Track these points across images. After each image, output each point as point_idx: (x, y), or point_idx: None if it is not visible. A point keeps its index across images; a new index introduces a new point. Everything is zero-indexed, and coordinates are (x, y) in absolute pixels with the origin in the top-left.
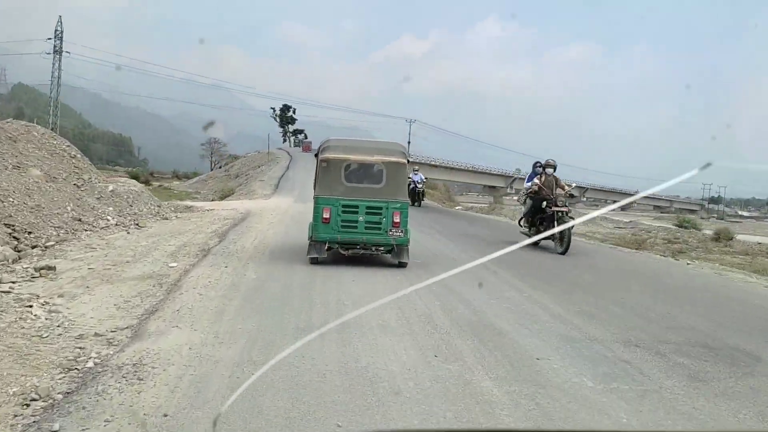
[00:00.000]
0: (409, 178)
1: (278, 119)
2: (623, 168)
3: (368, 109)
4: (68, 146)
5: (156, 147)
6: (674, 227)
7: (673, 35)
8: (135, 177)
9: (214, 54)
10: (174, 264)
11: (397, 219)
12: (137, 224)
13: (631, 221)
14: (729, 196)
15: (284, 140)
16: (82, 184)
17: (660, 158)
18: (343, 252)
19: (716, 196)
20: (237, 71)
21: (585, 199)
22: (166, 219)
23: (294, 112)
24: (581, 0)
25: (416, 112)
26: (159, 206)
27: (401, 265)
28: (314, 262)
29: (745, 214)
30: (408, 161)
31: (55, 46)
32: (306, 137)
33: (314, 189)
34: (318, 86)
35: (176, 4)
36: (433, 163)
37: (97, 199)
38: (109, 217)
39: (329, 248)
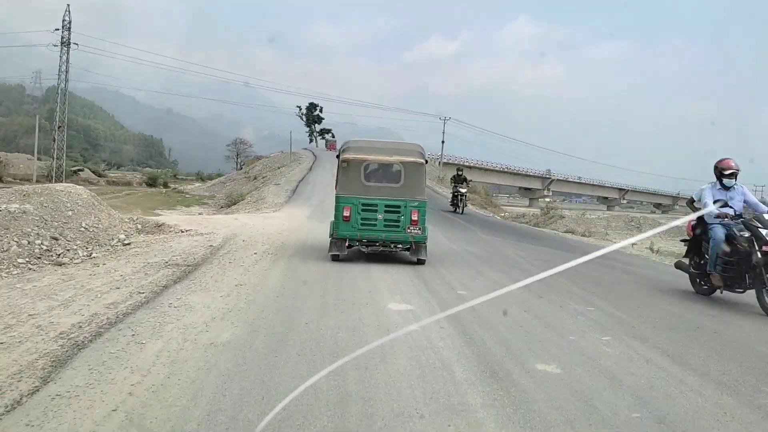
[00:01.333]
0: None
1: (304, 118)
2: (658, 167)
3: (396, 115)
4: None
5: (187, 148)
6: None
7: (708, 26)
8: (153, 179)
9: (245, 56)
10: None
11: (414, 217)
12: (57, 261)
13: None
14: None
15: (311, 140)
16: None
17: (696, 155)
18: (363, 249)
19: None
20: (267, 73)
21: (625, 201)
22: (112, 250)
23: (321, 111)
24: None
25: (446, 112)
26: (106, 229)
27: (419, 262)
28: (335, 259)
29: None
30: (426, 161)
31: (62, 38)
32: (333, 136)
33: (335, 188)
34: (347, 86)
35: (207, 6)
36: (467, 163)
37: None
38: None
39: (350, 246)
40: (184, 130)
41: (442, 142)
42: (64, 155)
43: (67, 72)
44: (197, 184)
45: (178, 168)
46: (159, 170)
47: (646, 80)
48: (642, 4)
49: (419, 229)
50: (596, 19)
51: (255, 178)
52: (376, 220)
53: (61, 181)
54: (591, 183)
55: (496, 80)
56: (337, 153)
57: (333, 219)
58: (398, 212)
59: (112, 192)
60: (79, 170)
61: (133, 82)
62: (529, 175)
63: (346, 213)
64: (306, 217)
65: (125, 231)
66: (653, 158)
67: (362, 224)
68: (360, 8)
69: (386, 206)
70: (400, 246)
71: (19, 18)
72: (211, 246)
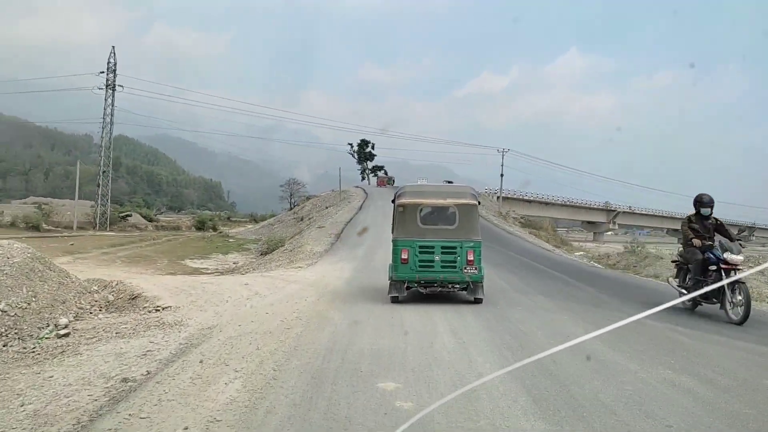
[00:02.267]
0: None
1: (356, 156)
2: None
3: (450, 147)
4: None
5: (245, 191)
6: None
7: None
8: (202, 223)
9: (299, 98)
10: None
11: (470, 257)
12: None
13: None
14: None
15: (363, 177)
16: None
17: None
18: (421, 290)
19: None
20: (320, 114)
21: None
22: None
23: (372, 148)
24: (663, 27)
25: (500, 146)
26: (41, 310)
27: (477, 301)
28: (395, 300)
29: None
30: (479, 203)
31: (107, 80)
32: (386, 173)
33: (392, 232)
34: (398, 125)
35: (259, 53)
36: (527, 198)
37: None
38: None
39: (408, 287)
40: (242, 173)
41: (501, 175)
42: (109, 200)
43: (112, 115)
44: (249, 227)
45: (237, 210)
46: (211, 213)
47: (704, 107)
48: (690, 33)
49: (476, 268)
50: (645, 49)
51: (302, 219)
52: (433, 261)
53: (106, 228)
54: (659, 214)
55: (547, 113)
56: (393, 198)
57: (391, 262)
58: (455, 253)
59: (152, 237)
60: (128, 215)
61: (194, 128)
62: (592, 208)
63: (404, 255)
64: (346, 280)
65: (82, 307)
66: (724, 186)
67: (420, 266)
68: (407, 49)
69: (443, 247)
70: (457, 286)
71: (71, 64)
72: (158, 359)
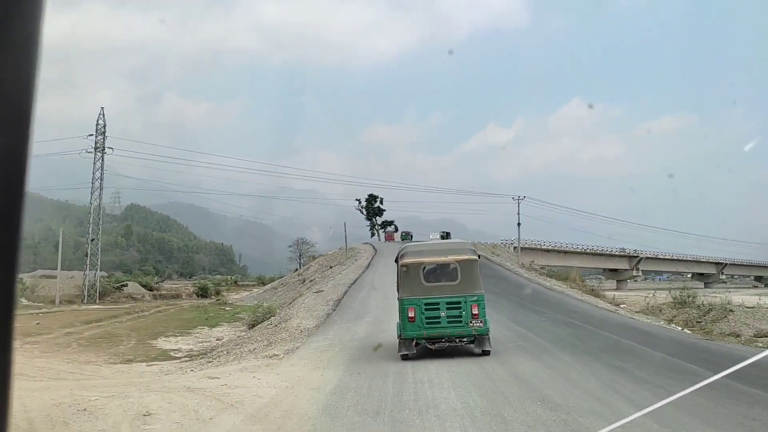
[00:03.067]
0: None
1: (364, 211)
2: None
3: (461, 198)
4: None
5: (258, 254)
6: None
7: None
8: (204, 290)
9: (306, 161)
10: None
11: (475, 311)
12: None
13: None
14: None
15: (372, 234)
16: None
17: None
18: (429, 346)
19: None
20: (329, 174)
21: (724, 276)
22: None
23: (381, 203)
24: (667, 76)
25: (507, 200)
26: None
27: (485, 353)
28: (405, 358)
29: None
30: (479, 257)
31: (96, 143)
32: (396, 229)
33: (398, 291)
34: (407, 181)
35: (262, 117)
36: (544, 247)
37: None
38: None
39: (417, 344)
40: (255, 237)
41: (518, 224)
42: (98, 270)
43: (101, 180)
44: (255, 290)
45: (249, 273)
46: (221, 277)
47: (715, 147)
48: (692, 79)
49: (481, 321)
50: (649, 95)
51: (304, 282)
52: (439, 317)
53: (95, 301)
54: (684, 259)
55: (556, 162)
56: (396, 258)
57: (399, 321)
58: (459, 308)
59: (142, 309)
60: (123, 285)
61: (205, 193)
62: (614, 255)
63: (411, 314)
64: (326, 405)
65: None
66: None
67: (427, 323)
68: (414, 106)
69: (447, 303)
70: (465, 340)
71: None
72: None
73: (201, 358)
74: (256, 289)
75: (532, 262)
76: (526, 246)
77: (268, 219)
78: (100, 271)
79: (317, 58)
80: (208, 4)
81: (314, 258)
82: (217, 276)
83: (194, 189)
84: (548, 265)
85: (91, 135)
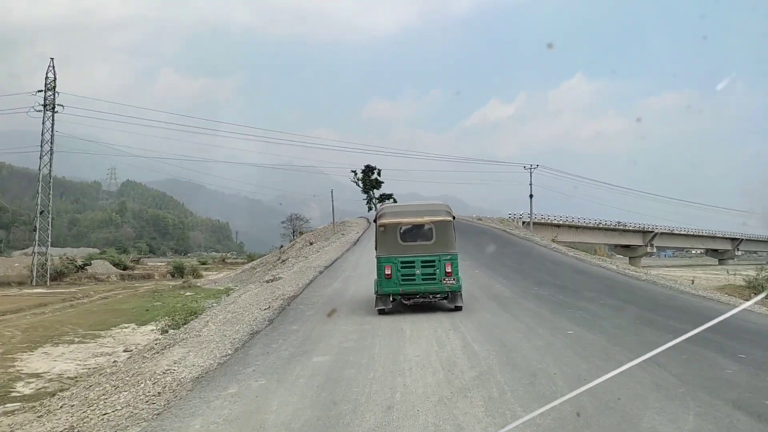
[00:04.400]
0: None
1: (361, 184)
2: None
3: (461, 169)
4: None
5: (256, 231)
6: None
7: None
8: (180, 269)
9: (307, 137)
10: None
11: (448, 269)
12: None
13: None
14: None
15: (369, 208)
16: None
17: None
18: (405, 302)
19: None
20: (329, 151)
21: (740, 252)
22: None
23: (379, 174)
24: (670, 50)
25: (511, 175)
26: None
27: (457, 309)
28: (382, 312)
29: None
30: (454, 218)
31: (45, 99)
32: (395, 202)
33: (375, 250)
34: (407, 157)
35: (269, 90)
36: (554, 222)
37: None
38: None
39: (393, 299)
40: (253, 213)
41: (530, 196)
42: (48, 247)
43: (51, 143)
44: (241, 268)
45: (246, 249)
46: (208, 254)
47: (716, 123)
48: (693, 53)
49: (454, 279)
50: (651, 72)
51: (282, 261)
52: (414, 275)
53: (46, 282)
54: (700, 234)
55: (558, 139)
56: (374, 218)
57: (376, 278)
58: (433, 266)
59: (91, 293)
60: (86, 264)
61: (203, 170)
62: (627, 230)
63: (388, 271)
64: None
65: None
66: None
67: (402, 280)
68: (414, 82)
69: (422, 261)
70: (438, 296)
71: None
72: None
73: (38, 403)
74: (242, 267)
75: (556, 236)
76: (536, 221)
77: (266, 195)
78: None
79: (316, 33)
80: None
81: (301, 234)
82: (213, 253)
83: (191, 164)
84: (562, 241)
85: (40, 91)
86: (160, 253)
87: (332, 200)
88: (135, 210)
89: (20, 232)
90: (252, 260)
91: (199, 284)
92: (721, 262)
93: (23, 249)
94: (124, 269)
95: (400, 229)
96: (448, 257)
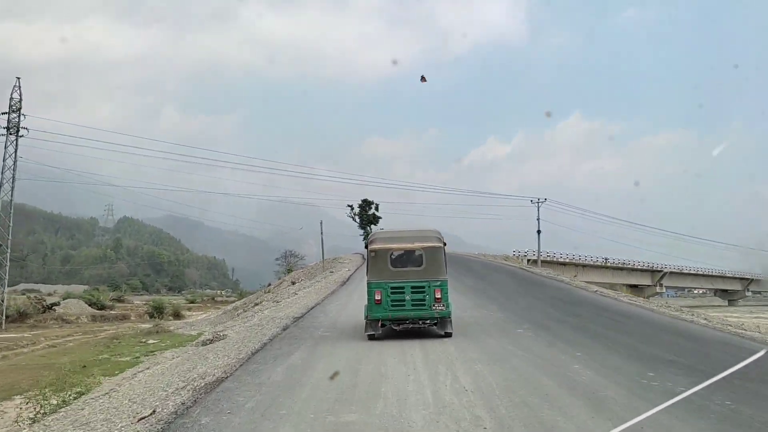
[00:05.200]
0: None
1: (357, 219)
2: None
3: (460, 212)
4: None
5: (254, 267)
6: None
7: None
8: (159, 309)
9: (305, 172)
10: None
11: (438, 295)
12: None
13: None
14: None
15: (366, 244)
16: None
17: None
18: (395, 327)
19: None
20: (327, 187)
21: (749, 293)
22: None
23: (377, 209)
24: (667, 92)
25: (512, 210)
26: None
27: (447, 335)
28: (371, 338)
29: None
30: (444, 244)
31: (9, 121)
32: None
33: (366, 275)
34: (406, 196)
35: (272, 131)
36: (560, 260)
37: None
38: None
39: (383, 325)
40: (250, 250)
41: (538, 232)
42: (5, 286)
43: (14, 170)
44: (227, 307)
45: (242, 286)
46: (202, 291)
47: (718, 161)
48: (684, 96)
49: (443, 305)
50: (647, 112)
51: (256, 305)
52: (404, 300)
53: (0, 325)
54: (710, 274)
55: (556, 177)
56: (365, 244)
57: (366, 303)
58: (423, 292)
59: (35, 341)
60: (54, 304)
61: (202, 208)
62: (635, 269)
63: (378, 296)
64: None
65: None
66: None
67: (392, 305)
68: (412, 121)
69: (412, 287)
70: (428, 322)
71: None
72: None
73: None
74: (224, 308)
75: (575, 276)
76: (547, 259)
77: (264, 231)
78: (91, 286)
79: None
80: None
81: (289, 271)
82: (207, 290)
83: (190, 201)
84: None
85: (5, 113)
86: (153, 290)
87: (321, 233)
88: (130, 246)
89: (11, 268)
90: (242, 298)
91: (172, 328)
92: (731, 303)
93: (14, 286)
94: (100, 309)
95: (391, 254)
96: (438, 283)
